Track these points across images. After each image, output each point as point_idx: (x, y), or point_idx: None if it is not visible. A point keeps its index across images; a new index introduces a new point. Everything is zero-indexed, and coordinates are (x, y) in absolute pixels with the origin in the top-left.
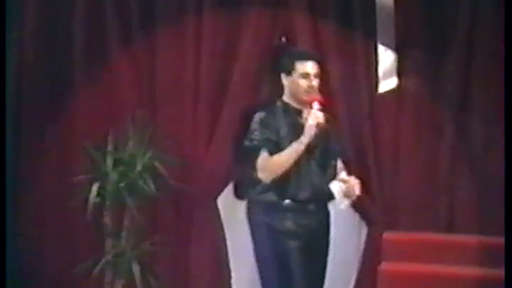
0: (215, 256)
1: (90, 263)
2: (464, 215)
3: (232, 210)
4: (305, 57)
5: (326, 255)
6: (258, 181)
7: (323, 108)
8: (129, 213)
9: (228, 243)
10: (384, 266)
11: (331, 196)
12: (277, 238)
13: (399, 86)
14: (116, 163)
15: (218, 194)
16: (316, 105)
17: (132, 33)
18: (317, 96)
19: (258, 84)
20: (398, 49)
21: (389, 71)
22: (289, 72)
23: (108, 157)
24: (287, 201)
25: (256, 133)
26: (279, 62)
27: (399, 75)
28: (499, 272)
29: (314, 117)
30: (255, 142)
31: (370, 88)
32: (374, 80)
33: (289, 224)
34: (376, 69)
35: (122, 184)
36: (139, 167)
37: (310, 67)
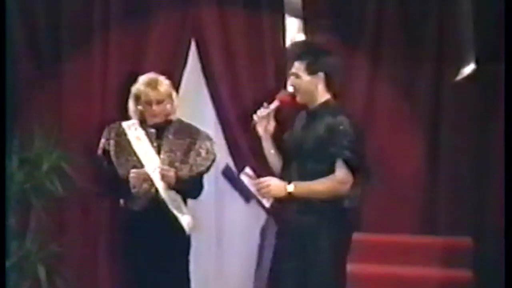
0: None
1: None
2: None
3: None
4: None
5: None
6: None
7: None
8: (35, 214)
9: None
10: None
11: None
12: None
13: None
14: (21, 162)
15: None
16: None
17: (40, 38)
18: (280, 95)
19: None
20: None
21: None
22: None
23: (13, 156)
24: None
25: None
26: None
27: None
28: (465, 273)
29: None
30: None
31: (279, 77)
32: (283, 66)
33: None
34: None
35: (27, 185)
36: (45, 167)
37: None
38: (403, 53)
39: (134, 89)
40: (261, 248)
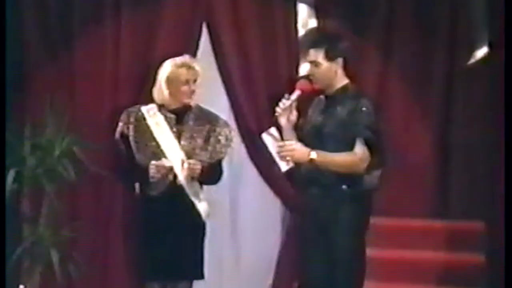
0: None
1: (7, 250)
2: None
3: None
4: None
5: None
6: None
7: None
8: (48, 199)
9: None
10: None
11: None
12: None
13: None
14: (33, 148)
15: None
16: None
17: (51, 22)
18: (300, 84)
19: None
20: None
21: None
22: None
23: (25, 142)
24: None
25: None
26: None
27: None
28: (477, 257)
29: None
30: None
31: (291, 62)
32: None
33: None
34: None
35: (40, 170)
36: (57, 153)
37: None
38: (415, 39)
39: (167, 72)
40: (284, 231)
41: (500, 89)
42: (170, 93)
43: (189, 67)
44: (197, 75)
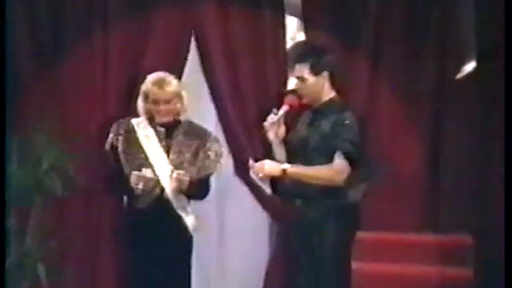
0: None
1: None
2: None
3: None
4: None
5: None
6: None
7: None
8: (35, 213)
9: None
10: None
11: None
12: None
13: None
14: (21, 161)
15: None
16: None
17: (40, 35)
18: (288, 99)
19: None
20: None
21: None
22: None
23: (13, 155)
24: None
25: None
26: None
27: None
28: (465, 271)
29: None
30: None
31: (280, 75)
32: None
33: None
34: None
35: (28, 183)
36: (45, 166)
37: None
38: (404, 52)
39: (143, 87)
40: (271, 246)
41: (498, 100)
42: (144, 108)
43: (161, 86)
44: (170, 96)
